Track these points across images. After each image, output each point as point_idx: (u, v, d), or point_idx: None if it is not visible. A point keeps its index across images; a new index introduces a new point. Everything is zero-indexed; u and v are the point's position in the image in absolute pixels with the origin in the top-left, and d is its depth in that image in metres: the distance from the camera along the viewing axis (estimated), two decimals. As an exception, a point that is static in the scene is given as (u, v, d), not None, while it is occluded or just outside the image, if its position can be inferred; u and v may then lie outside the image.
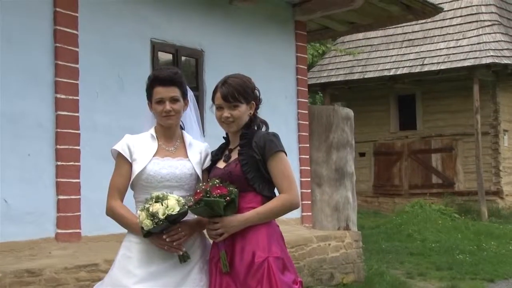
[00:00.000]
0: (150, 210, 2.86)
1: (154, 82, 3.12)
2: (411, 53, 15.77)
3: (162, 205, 2.86)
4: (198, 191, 2.97)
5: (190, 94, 3.28)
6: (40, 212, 5.45)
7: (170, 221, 2.88)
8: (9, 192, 5.24)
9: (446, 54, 15.08)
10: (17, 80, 5.37)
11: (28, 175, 5.40)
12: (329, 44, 16.30)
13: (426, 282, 8.37)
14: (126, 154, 3.09)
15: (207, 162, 3.22)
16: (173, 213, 2.85)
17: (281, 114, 7.91)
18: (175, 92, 3.09)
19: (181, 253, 2.98)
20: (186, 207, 2.92)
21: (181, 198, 2.94)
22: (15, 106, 5.33)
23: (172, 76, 3.10)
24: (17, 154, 5.33)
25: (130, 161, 3.09)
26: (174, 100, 3.09)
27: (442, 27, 15.76)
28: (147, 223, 2.86)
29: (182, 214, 2.91)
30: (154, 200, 2.90)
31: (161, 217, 2.84)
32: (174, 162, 3.09)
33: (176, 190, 3.02)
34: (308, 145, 8.53)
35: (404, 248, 10.85)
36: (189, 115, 3.32)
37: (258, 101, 3.20)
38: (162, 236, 2.93)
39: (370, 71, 16.10)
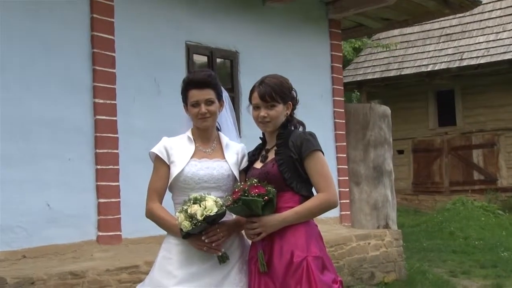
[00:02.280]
0: (189, 211, 2.88)
1: (188, 85, 3.15)
2: (449, 48, 15.50)
3: (200, 206, 2.88)
4: (236, 190, 2.98)
5: (226, 95, 3.29)
6: (82, 215, 5.55)
7: (208, 222, 2.90)
8: (51, 196, 5.35)
9: (486, 48, 14.77)
10: (56, 86, 5.48)
11: (69, 179, 5.50)
12: (365, 38, 16.12)
13: (470, 280, 8.20)
14: (164, 156, 3.12)
15: (244, 163, 3.23)
16: (211, 214, 2.87)
17: (317, 113, 7.88)
18: (209, 94, 3.12)
19: (220, 253, 3.00)
20: (224, 208, 2.94)
21: (219, 199, 2.95)
22: (55, 111, 5.43)
23: (206, 78, 3.13)
24: (58, 158, 5.44)
25: (168, 163, 3.11)
26: (209, 102, 3.11)
27: (481, 21, 15.45)
28: (186, 225, 2.88)
29: (220, 215, 2.92)
30: (192, 201, 2.92)
31: (200, 218, 2.86)
32: (211, 163, 3.11)
33: (213, 191, 3.04)
34: (345, 143, 8.47)
35: (446, 246, 10.67)
36: (225, 116, 3.34)
37: (295, 101, 3.20)
38: (201, 237, 2.94)
39: (407, 67, 15.89)
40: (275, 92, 3.09)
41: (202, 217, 2.86)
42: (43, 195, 5.29)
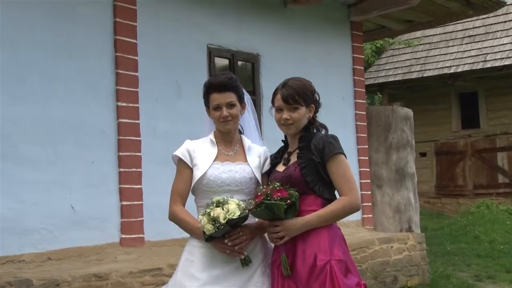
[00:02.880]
0: (211, 214, 2.89)
1: (209, 88, 3.15)
2: (473, 49, 15.34)
3: (223, 209, 2.88)
4: (258, 194, 2.98)
5: (248, 97, 3.29)
6: (105, 218, 5.60)
7: (231, 225, 2.90)
8: (75, 199, 5.40)
9: (510, 49, 14.61)
10: (80, 89, 5.53)
11: (92, 182, 5.55)
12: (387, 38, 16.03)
13: (495, 285, 8.11)
14: (187, 159, 3.13)
15: (267, 166, 3.23)
16: (234, 217, 2.87)
17: (338, 116, 7.85)
18: (231, 97, 3.12)
19: (242, 257, 3.00)
20: (247, 211, 2.94)
21: (241, 202, 2.95)
22: (79, 114, 5.49)
23: (227, 81, 3.13)
24: (82, 161, 5.49)
25: (191, 166, 3.12)
26: (230, 105, 3.11)
27: (505, 22, 15.27)
28: (209, 228, 2.88)
29: (242, 218, 2.93)
30: (215, 204, 2.92)
31: (222, 221, 2.86)
32: (233, 166, 3.12)
33: (236, 194, 3.04)
34: (366, 146, 8.43)
35: (470, 250, 10.55)
36: (248, 119, 3.34)
37: (317, 104, 3.20)
38: (223, 240, 2.95)
39: (429, 69, 15.76)
40: (298, 94, 3.09)
41: (225, 220, 2.86)
42: (68, 197, 5.35)
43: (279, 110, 3.14)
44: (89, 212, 5.47)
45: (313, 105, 3.16)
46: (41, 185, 5.17)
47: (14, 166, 5.00)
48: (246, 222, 3.00)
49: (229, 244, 2.94)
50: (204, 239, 2.97)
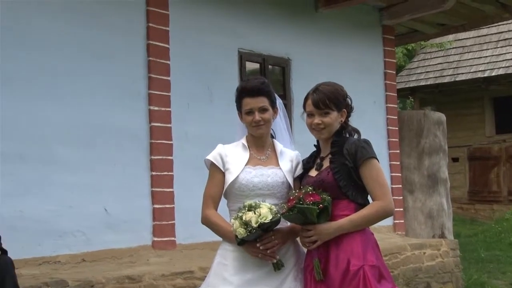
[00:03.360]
0: (244, 218, 2.90)
1: (242, 93, 3.17)
2: (508, 53, 15.11)
3: (255, 213, 2.89)
4: (291, 198, 2.99)
5: (279, 102, 3.30)
6: (137, 221, 5.67)
7: (263, 229, 2.91)
8: (109, 201, 5.49)
9: (546, 52, 14.38)
10: (114, 94, 5.62)
11: (125, 185, 5.63)
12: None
13: (531, 293, 7.98)
14: (219, 163, 3.15)
15: (299, 170, 3.23)
16: (266, 221, 2.88)
17: (370, 120, 7.82)
18: (263, 102, 3.13)
19: (275, 260, 3.00)
20: (279, 215, 2.95)
21: (273, 206, 2.96)
22: (112, 118, 5.58)
23: (259, 86, 3.14)
24: (115, 165, 5.57)
25: (223, 170, 3.14)
26: (263, 110, 3.12)
27: (541, 24, 15.05)
28: (241, 232, 2.90)
29: (274, 222, 2.93)
30: (247, 208, 2.94)
31: (254, 225, 2.87)
32: (265, 170, 3.13)
33: (268, 198, 3.05)
34: (398, 151, 8.38)
35: (506, 257, 10.37)
36: (279, 123, 3.35)
37: (349, 109, 3.19)
38: (255, 244, 2.96)
39: (462, 73, 15.57)
40: (329, 99, 3.09)
41: (257, 224, 2.87)
42: (101, 200, 5.44)
43: (310, 115, 3.15)
44: (122, 215, 5.55)
45: (344, 109, 3.15)
46: (76, 188, 5.27)
47: (50, 169, 5.11)
48: (278, 226, 3.01)
49: (261, 248, 2.95)
50: (236, 242, 2.98)
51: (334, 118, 3.11)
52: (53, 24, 5.26)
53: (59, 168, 5.18)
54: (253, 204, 2.94)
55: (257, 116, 3.10)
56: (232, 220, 2.99)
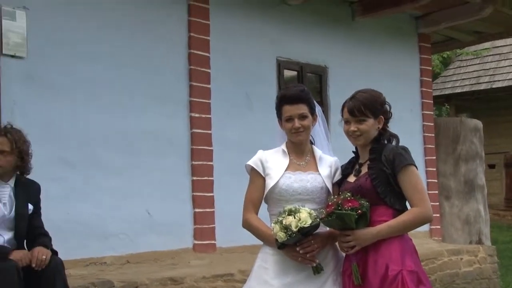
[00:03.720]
0: (284, 222, 2.94)
1: (282, 101, 3.22)
2: (544, 60, 14.94)
3: (294, 218, 2.93)
4: (329, 203, 3.02)
5: (319, 109, 3.34)
6: (179, 224, 5.83)
7: (302, 234, 2.94)
8: (151, 205, 5.67)
9: None
10: (157, 101, 5.80)
11: (167, 189, 5.80)
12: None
13: None
14: (260, 169, 3.21)
15: (337, 176, 3.26)
16: (306, 225, 2.92)
17: (406, 127, 7.83)
18: (303, 109, 3.17)
19: (314, 264, 3.03)
20: (318, 219, 2.98)
21: (312, 211, 2.99)
22: (155, 125, 5.76)
23: (299, 93, 3.18)
24: (158, 169, 5.75)
25: (263, 175, 3.19)
26: (302, 117, 3.16)
27: None
28: (281, 235, 2.94)
29: (314, 226, 2.97)
30: (287, 213, 2.98)
31: (294, 229, 2.91)
32: (305, 176, 3.17)
33: (307, 203, 3.09)
34: (434, 157, 8.38)
35: (543, 264, 10.22)
36: (318, 130, 3.38)
37: (387, 115, 3.21)
38: (295, 248, 3.00)
39: (499, 80, 15.41)
40: (365, 106, 3.11)
41: (297, 229, 2.91)
42: (145, 204, 5.62)
43: (347, 122, 3.18)
44: (164, 218, 5.72)
45: (382, 116, 3.16)
46: (120, 192, 5.45)
47: (97, 174, 5.31)
48: (318, 231, 3.04)
49: (301, 252, 2.99)
50: (276, 246, 3.03)
51: (370, 125, 3.13)
52: (97, 34, 5.46)
53: (104, 172, 5.37)
54: (293, 209, 2.98)
55: (297, 123, 3.15)
56: (272, 224, 3.04)
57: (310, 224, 2.93)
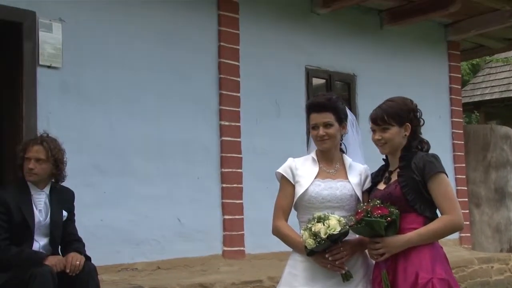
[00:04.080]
0: (313, 229, 2.95)
1: (309, 108, 3.26)
2: None
3: (324, 225, 2.94)
4: (359, 211, 3.02)
5: (353, 118, 3.36)
6: (209, 231, 5.91)
7: (331, 241, 2.95)
8: (182, 212, 5.75)
9: None
10: (187, 109, 5.91)
11: (197, 197, 5.88)
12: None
13: None
14: (289, 176, 3.23)
15: (367, 184, 3.27)
16: (335, 232, 2.93)
17: (435, 135, 7.73)
18: (328, 117, 3.17)
19: (343, 271, 3.04)
20: (347, 227, 2.98)
21: (342, 218, 3.00)
22: (186, 133, 5.86)
23: (325, 102, 3.19)
24: (188, 177, 5.84)
25: (293, 183, 3.21)
26: (327, 125, 3.16)
27: None
28: (310, 242, 2.96)
29: (343, 233, 2.97)
30: (316, 220, 2.99)
31: (323, 236, 2.92)
32: (334, 183, 3.18)
33: (337, 211, 3.09)
34: (464, 165, 8.33)
35: None
36: (353, 139, 3.39)
37: (414, 122, 3.19)
38: (324, 255, 3.01)
39: (529, 87, 15.17)
40: (388, 114, 3.11)
41: (326, 236, 2.92)
42: (175, 211, 5.70)
43: (373, 131, 3.19)
44: (194, 225, 5.80)
45: (408, 123, 3.15)
46: (152, 199, 5.55)
47: (129, 181, 5.42)
48: (347, 238, 3.04)
49: (330, 259, 2.99)
50: (305, 253, 3.04)
51: (394, 133, 3.11)
52: (130, 44, 5.58)
53: (136, 179, 5.47)
54: (322, 216, 2.99)
55: (321, 131, 3.16)
56: (302, 231, 3.05)
57: (339, 231, 2.94)
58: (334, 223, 2.95)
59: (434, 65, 8.30)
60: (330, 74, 7.19)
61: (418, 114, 3.23)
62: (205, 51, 6.12)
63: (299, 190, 3.18)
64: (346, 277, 3.05)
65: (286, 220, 3.25)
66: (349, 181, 3.20)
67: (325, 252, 3.01)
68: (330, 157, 3.26)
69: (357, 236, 3.14)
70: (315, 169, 3.23)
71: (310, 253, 3.03)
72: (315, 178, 3.19)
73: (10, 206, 3.86)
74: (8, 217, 3.85)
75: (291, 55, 6.82)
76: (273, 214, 3.28)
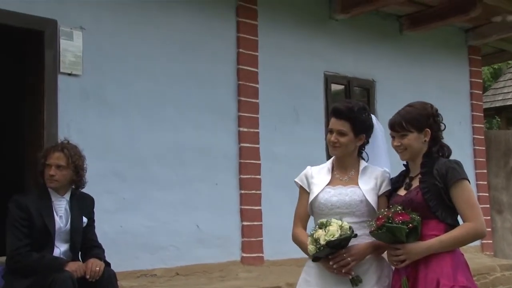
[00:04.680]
0: (314, 236, 2.98)
1: (331, 112, 3.26)
2: None
3: (324, 231, 2.95)
4: (380, 216, 3.00)
5: (380, 128, 3.35)
6: (227, 237, 5.91)
7: (331, 247, 2.95)
8: (200, 218, 5.77)
9: None
10: (206, 116, 5.93)
11: (216, 203, 5.89)
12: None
13: None
14: (305, 185, 3.28)
15: (384, 187, 3.22)
16: (333, 239, 2.92)
17: (455, 140, 7.70)
18: (344, 126, 3.16)
19: (350, 277, 3.02)
20: (349, 232, 2.96)
21: (345, 224, 2.98)
22: (205, 139, 5.88)
23: (344, 110, 3.18)
24: (207, 183, 5.86)
25: (308, 191, 3.25)
26: (341, 133, 3.17)
27: None
28: (311, 249, 2.99)
29: (343, 239, 2.95)
30: (318, 226, 3.02)
31: (322, 242, 2.93)
32: (344, 189, 3.17)
33: (346, 217, 3.08)
34: (485, 171, 8.24)
35: None
36: (381, 147, 3.38)
37: (434, 127, 3.16)
38: (329, 261, 3.02)
39: (553, 91, 14.99)
40: (406, 121, 3.09)
41: (325, 242, 2.93)
42: (193, 217, 5.72)
43: (392, 137, 3.19)
44: (213, 231, 5.81)
45: (428, 129, 3.13)
46: (170, 205, 5.57)
47: (148, 187, 5.44)
48: (356, 243, 3.04)
49: (334, 266, 3.00)
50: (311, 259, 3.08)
51: (412, 139, 3.10)
52: (150, 51, 5.61)
53: (155, 186, 5.50)
54: (325, 222, 2.99)
55: (333, 137, 3.17)
56: (307, 238, 3.08)
57: (338, 237, 2.92)
58: (334, 229, 2.94)
59: (454, 71, 8.25)
60: (349, 80, 7.18)
61: (438, 119, 3.20)
62: (224, 58, 6.14)
63: (311, 197, 3.22)
64: (355, 282, 3.03)
65: (304, 227, 3.28)
66: (359, 187, 3.19)
67: (328, 257, 3.01)
68: (345, 165, 3.26)
69: (366, 241, 3.10)
70: (328, 177, 3.25)
71: (314, 259, 3.05)
72: (326, 185, 3.21)
73: (31, 212, 3.90)
74: (29, 223, 3.89)
75: (310, 61, 6.82)
76: (293, 222, 3.32)
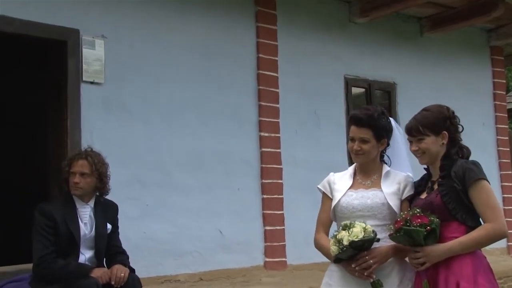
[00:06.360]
0: (337, 237, 3.00)
1: (350, 120, 3.28)
2: None
3: (348, 232, 2.97)
4: (398, 219, 3.01)
5: (401, 132, 3.35)
6: (250, 242, 5.94)
7: (354, 248, 2.96)
8: (223, 224, 5.80)
9: None
10: (227, 121, 5.97)
11: (238, 208, 5.92)
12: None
13: None
14: (327, 191, 3.31)
15: (407, 192, 3.23)
16: (356, 240, 2.94)
17: (478, 142, 7.66)
18: (365, 133, 3.16)
19: (371, 280, 3.03)
20: (372, 235, 2.98)
21: (369, 226, 3.00)
22: (226, 145, 5.91)
23: (364, 117, 3.18)
24: (228, 188, 5.89)
25: (331, 196, 3.28)
26: (363, 140, 3.17)
27: None
28: (333, 249, 3.01)
29: (366, 241, 2.97)
30: (341, 227, 3.04)
31: (345, 243, 2.95)
32: (366, 193, 3.19)
33: (369, 220, 3.09)
34: (510, 172, 8.16)
35: None
36: (400, 149, 3.38)
37: (452, 130, 3.14)
38: (351, 263, 3.03)
39: None
40: (422, 125, 3.09)
41: (348, 243, 2.94)
42: (216, 222, 5.75)
43: (409, 142, 3.19)
44: (235, 236, 5.84)
45: (445, 131, 3.11)
46: (193, 211, 5.61)
47: (170, 193, 5.49)
48: (379, 245, 3.04)
49: (356, 268, 3.01)
50: (333, 261, 3.10)
51: (430, 143, 3.09)
52: (170, 58, 5.67)
53: (178, 192, 5.54)
54: (348, 224, 3.01)
55: (356, 145, 3.18)
56: (330, 239, 3.11)
57: (361, 238, 2.94)
58: (357, 230, 2.96)
59: (476, 72, 8.18)
60: (370, 83, 7.16)
61: (455, 120, 3.19)
62: (244, 63, 6.17)
63: (333, 203, 3.24)
64: (376, 285, 3.03)
65: (326, 233, 3.31)
66: (381, 190, 3.20)
67: (351, 260, 3.02)
68: (368, 170, 3.28)
69: (387, 243, 3.10)
70: (350, 181, 3.28)
71: (336, 260, 3.07)
72: (348, 189, 3.24)
73: (56, 219, 3.94)
74: (55, 230, 3.93)
75: (330, 65, 6.82)
76: (315, 228, 3.34)
